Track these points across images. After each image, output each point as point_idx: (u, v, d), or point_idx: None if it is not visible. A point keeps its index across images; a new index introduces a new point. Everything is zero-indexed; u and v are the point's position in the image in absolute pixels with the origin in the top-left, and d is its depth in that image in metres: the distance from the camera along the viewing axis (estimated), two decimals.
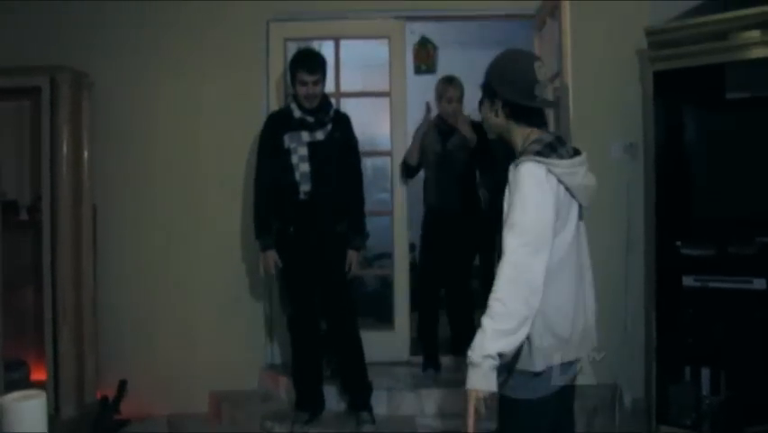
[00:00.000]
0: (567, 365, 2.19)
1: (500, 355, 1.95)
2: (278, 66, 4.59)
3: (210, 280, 4.52)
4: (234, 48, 4.57)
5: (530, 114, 2.24)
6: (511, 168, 2.13)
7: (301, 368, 3.95)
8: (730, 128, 3.72)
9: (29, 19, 4.49)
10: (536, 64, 2.23)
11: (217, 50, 4.55)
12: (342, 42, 4.65)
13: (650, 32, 3.92)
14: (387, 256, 5.04)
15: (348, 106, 4.48)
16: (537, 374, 2.11)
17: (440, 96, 4.32)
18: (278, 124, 3.89)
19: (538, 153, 2.09)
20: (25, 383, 4.04)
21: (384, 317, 4.77)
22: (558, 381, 2.17)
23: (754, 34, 3.60)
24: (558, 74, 3.79)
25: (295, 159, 3.79)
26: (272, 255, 3.87)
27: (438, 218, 4.47)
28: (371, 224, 4.21)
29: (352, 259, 3.95)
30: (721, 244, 3.60)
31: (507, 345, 1.96)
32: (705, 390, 3.67)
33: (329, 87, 4.32)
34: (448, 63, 6.33)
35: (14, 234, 4.24)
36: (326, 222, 3.87)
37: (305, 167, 3.79)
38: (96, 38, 4.51)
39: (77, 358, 4.23)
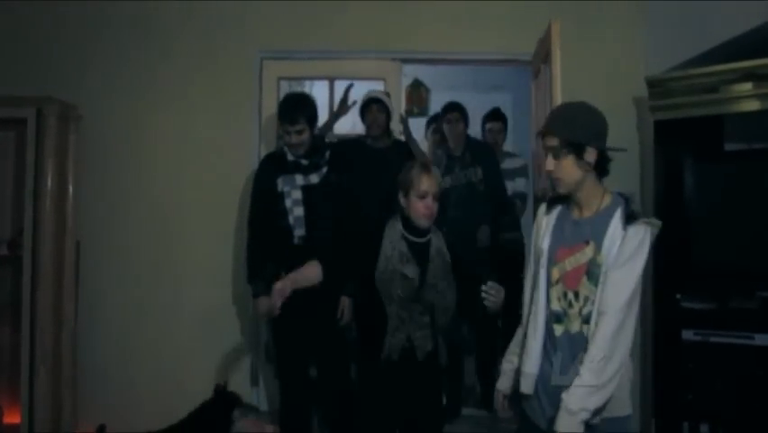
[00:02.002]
0: None
1: (596, 411, 2.15)
2: (271, 104, 4.54)
3: (197, 321, 4.39)
4: (227, 85, 4.50)
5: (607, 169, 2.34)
6: (620, 226, 2.22)
7: (290, 417, 3.81)
8: (729, 180, 3.70)
9: (17, 49, 4.41)
10: None
11: (209, 87, 4.48)
12: (336, 83, 4.60)
13: (650, 82, 3.91)
14: None
15: None
16: (627, 418, 2.31)
17: (408, 187, 2.93)
18: (272, 167, 3.79)
19: (641, 216, 2.23)
20: None
21: None
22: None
23: (746, 87, 3.61)
24: None
25: (288, 202, 3.70)
26: (265, 301, 3.61)
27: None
28: None
29: (344, 305, 3.79)
30: (722, 298, 3.55)
31: (602, 399, 2.15)
32: None
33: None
34: (440, 106, 6.32)
35: None
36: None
37: (299, 211, 3.70)
38: (86, 71, 4.44)
39: (54, 401, 4.07)
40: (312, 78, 4.93)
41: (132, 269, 4.41)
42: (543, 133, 2.34)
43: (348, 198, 3.85)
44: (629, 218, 2.21)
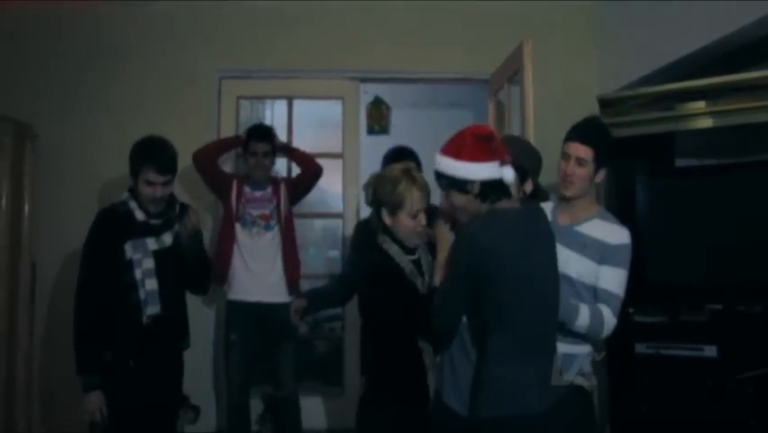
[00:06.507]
0: None
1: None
2: (229, 124, 4.56)
3: None
4: (185, 104, 4.50)
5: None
6: None
7: None
8: (680, 195, 3.78)
9: None
10: None
11: (167, 106, 4.47)
12: (295, 101, 4.64)
13: (602, 100, 3.98)
14: (338, 318, 4.92)
15: None
16: None
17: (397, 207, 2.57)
18: (116, 228, 3.07)
19: None
20: None
21: (333, 381, 4.65)
22: None
23: (700, 105, 3.69)
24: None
25: (138, 273, 3.00)
26: (99, 398, 2.96)
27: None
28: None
29: None
30: (673, 311, 3.61)
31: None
32: None
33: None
34: (401, 124, 6.38)
35: None
36: (176, 353, 3.18)
37: (151, 284, 3.01)
38: (42, 89, 4.42)
39: (8, 425, 3.99)
40: (271, 98, 4.94)
41: None
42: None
43: (202, 262, 3.30)
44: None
